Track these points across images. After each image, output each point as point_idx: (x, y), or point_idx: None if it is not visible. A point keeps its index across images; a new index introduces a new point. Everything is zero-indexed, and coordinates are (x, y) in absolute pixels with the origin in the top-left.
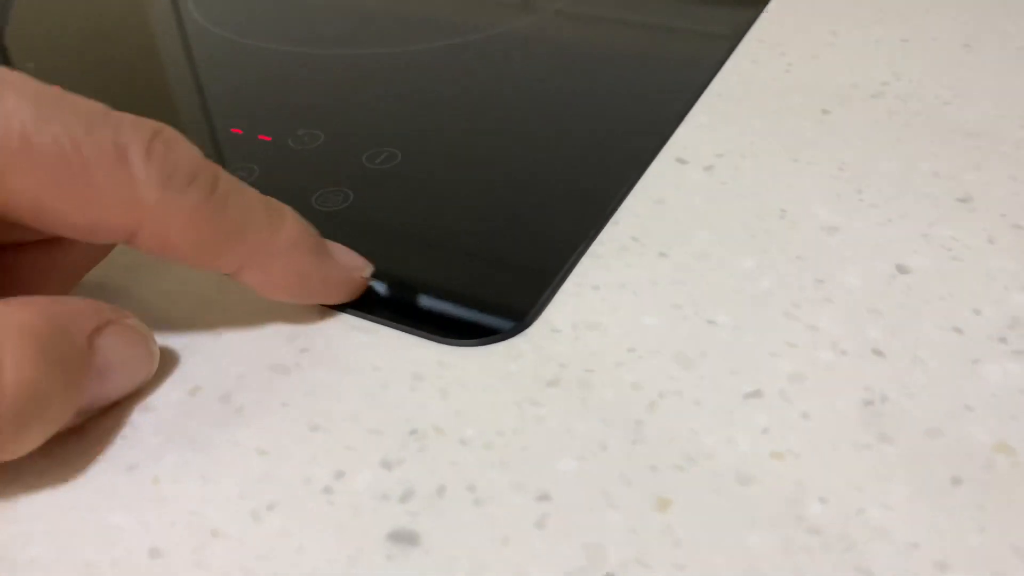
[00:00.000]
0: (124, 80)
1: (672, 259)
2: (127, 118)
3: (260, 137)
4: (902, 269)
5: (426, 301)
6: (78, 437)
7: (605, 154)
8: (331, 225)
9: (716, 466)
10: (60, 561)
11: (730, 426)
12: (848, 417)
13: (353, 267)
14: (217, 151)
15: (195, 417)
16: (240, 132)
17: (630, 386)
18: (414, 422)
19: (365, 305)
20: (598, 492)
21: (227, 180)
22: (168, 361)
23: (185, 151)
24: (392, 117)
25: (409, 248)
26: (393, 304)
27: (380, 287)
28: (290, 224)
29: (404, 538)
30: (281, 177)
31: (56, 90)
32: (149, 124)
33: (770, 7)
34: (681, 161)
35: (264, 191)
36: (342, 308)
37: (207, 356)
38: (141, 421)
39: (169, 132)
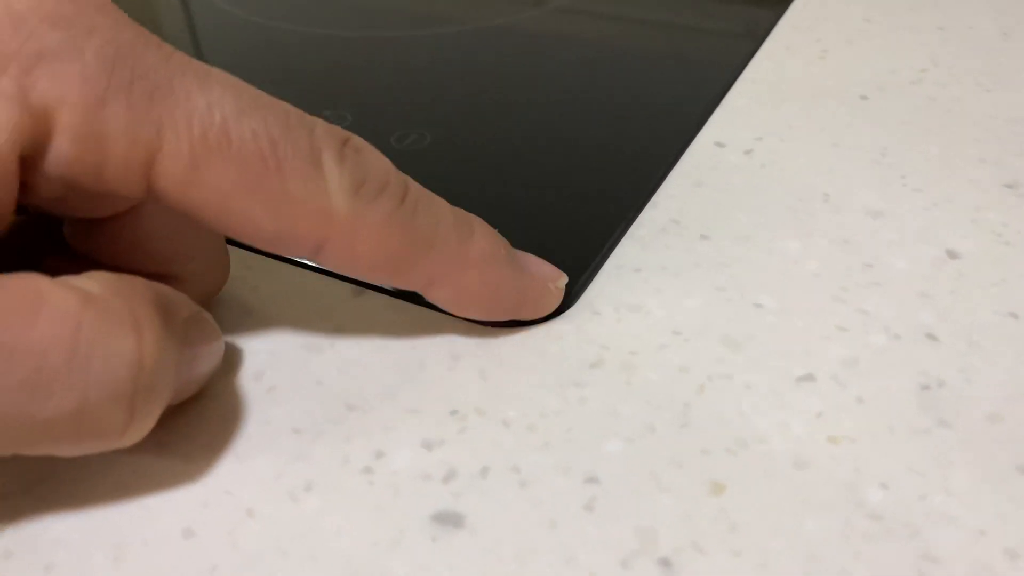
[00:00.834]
0: None
1: (714, 241)
2: (319, 122)
3: None
4: (952, 254)
5: None
6: None
7: (641, 137)
8: None
9: (770, 450)
10: (89, 542)
11: (783, 410)
12: (905, 402)
13: (547, 277)
14: None
15: (227, 395)
16: None
17: (676, 368)
18: (453, 402)
19: None
20: (648, 475)
21: (416, 189)
22: None
23: (375, 159)
24: (420, 99)
25: None
26: None
27: None
28: (480, 234)
29: (449, 519)
30: None
31: (255, 88)
32: (339, 131)
33: None
34: (719, 144)
35: None
36: (376, 287)
37: (237, 334)
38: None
39: (358, 140)
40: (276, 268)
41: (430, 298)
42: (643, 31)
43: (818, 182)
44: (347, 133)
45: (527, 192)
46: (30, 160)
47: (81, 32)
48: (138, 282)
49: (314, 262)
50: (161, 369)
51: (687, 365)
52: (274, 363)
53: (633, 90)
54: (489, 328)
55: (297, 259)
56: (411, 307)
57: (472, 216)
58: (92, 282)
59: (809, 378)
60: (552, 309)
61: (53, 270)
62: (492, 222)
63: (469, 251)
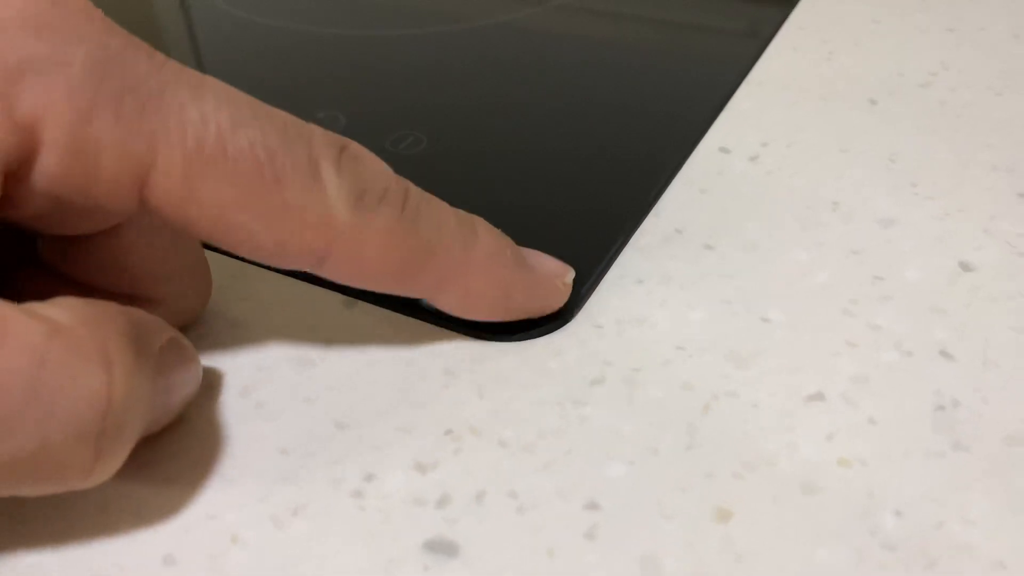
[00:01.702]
0: None
1: (719, 251)
2: (317, 130)
3: None
4: (965, 266)
5: None
6: None
7: (643, 141)
8: None
9: (778, 473)
10: (66, 568)
11: (791, 431)
12: (919, 423)
13: (555, 273)
14: None
15: (211, 412)
16: None
17: (681, 386)
18: (448, 421)
19: (392, 296)
20: (651, 501)
21: (416, 193)
22: None
23: (373, 165)
24: (415, 100)
25: None
26: None
27: None
28: (483, 234)
29: (442, 548)
30: None
31: (250, 96)
32: (337, 138)
33: None
34: (724, 150)
35: None
36: (369, 299)
37: (222, 347)
38: None
39: (355, 146)
40: (263, 277)
41: (437, 303)
42: (644, 31)
43: (826, 190)
44: (345, 140)
45: (525, 199)
46: (15, 176)
47: (68, 41)
48: (110, 309)
49: (317, 274)
50: (131, 406)
51: (692, 382)
52: (261, 378)
53: (635, 92)
54: (486, 342)
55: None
56: (405, 320)
57: (474, 216)
58: (60, 310)
59: (819, 397)
60: (560, 305)
61: (23, 285)
62: None
63: (474, 253)
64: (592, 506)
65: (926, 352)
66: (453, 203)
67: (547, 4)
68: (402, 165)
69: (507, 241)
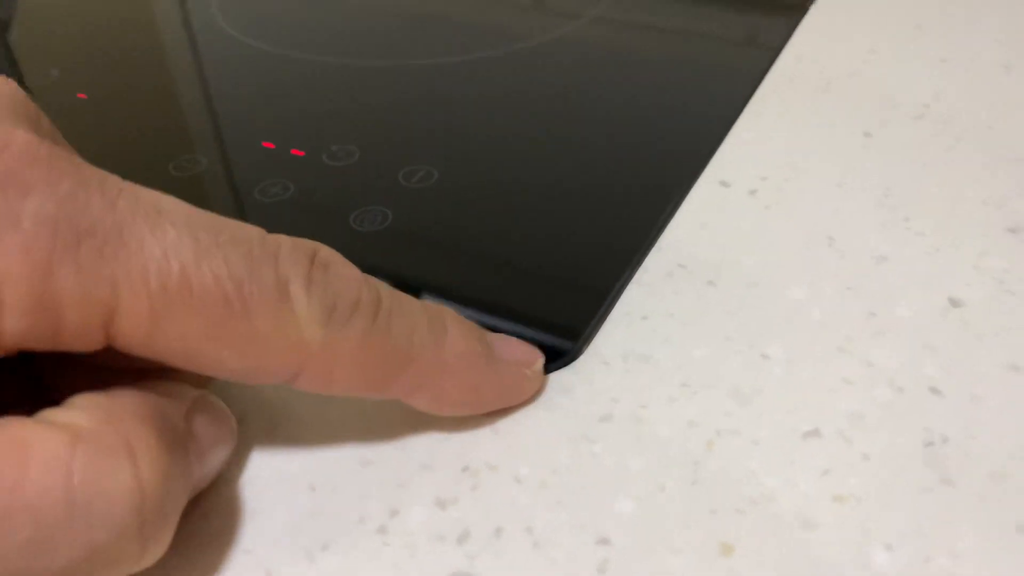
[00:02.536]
0: (152, 92)
1: (720, 288)
2: (284, 243)
3: (293, 152)
4: (955, 302)
5: None
6: None
7: (646, 175)
8: (371, 246)
9: (778, 509)
10: None
11: (790, 467)
12: (910, 458)
13: (524, 363)
14: (250, 165)
15: (240, 448)
16: (272, 146)
17: (686, 423)
18: (465, 458)
19: None
20: (658, 536)
21: (388, 297)
22: None
23: (344, 273)
24: (427, 133)
25: (451, 277)
26: None
27: None
28: (453, 332)
29: None
30: (318, 195)
31: (209, 216)
32: (305, 247)
33: (807, 20)
34: (724, 184)
35: (302, 210)
36: None
37: (249, 387)
38: None
39: (325, 252)
40: None
41: (410, 403)
42: (643, 58)
43: (823, 225)
44: (313, 246)
45: (531, 235)
46: None
47: (14, 196)
48: (127, 398)
49: (294, 387)
50: (166, 490)
51: (696, 420)
52: (287, 414)
53: (637, 124)
54: None
55: None
56: None
57: (444, 310)
58: (77, 412)
59: (815, 434)
60: (531, 395)
61: (42, 365)
62: (499, 271)
63: (446, 355)
64: (603, 541)
65: (917, 388)
66: (460, 239)
67: (544, 36)
68: (411, 200)
69: (477, 334)
